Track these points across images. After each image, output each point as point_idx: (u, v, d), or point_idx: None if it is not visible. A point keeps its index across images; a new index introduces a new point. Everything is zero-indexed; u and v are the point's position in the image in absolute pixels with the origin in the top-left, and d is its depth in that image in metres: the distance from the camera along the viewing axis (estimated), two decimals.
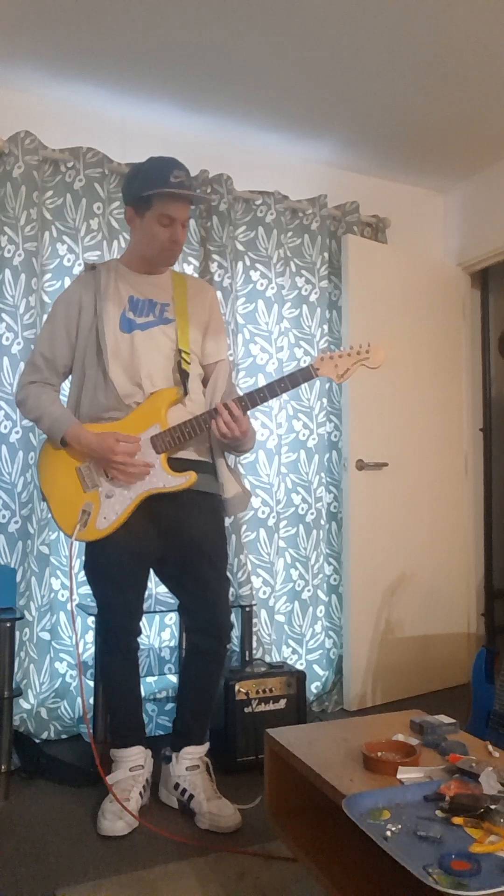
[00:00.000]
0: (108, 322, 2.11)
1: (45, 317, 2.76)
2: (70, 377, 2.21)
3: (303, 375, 2.03)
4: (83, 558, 2.19)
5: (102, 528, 2.03)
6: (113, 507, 2.03)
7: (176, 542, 2.10)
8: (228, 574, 2.24)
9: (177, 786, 2.11)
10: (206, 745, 2.18)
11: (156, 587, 2.79)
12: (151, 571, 2.21)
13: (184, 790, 2.09)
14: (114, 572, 2.08)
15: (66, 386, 2.25)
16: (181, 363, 2.12)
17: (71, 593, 2.06)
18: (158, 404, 2.06)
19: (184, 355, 2.12)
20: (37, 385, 2.16)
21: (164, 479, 2.03)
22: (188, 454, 2.11)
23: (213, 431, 2.03)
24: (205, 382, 2.20)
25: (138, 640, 2.20)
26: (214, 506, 2.16)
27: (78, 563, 2.76)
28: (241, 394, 2.08)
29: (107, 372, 2.07)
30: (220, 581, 2.17)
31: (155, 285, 2.19)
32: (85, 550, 2.17)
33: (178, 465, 2.06)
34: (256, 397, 2.02)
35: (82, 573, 2.74)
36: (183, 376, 2.11)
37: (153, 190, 2.03)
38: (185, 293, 2.21)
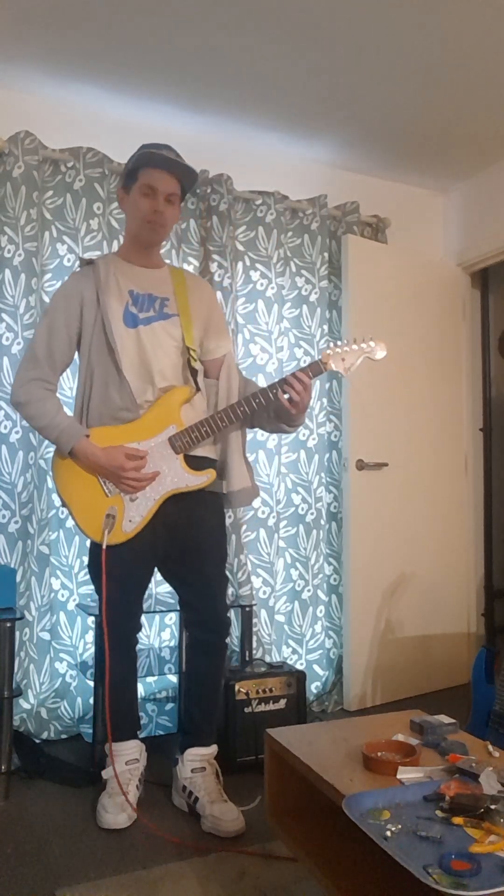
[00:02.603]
0: (113, 317, 2.09)
1: None
2: (77, 377, 2.19)
3: (312, 370, 2.08)
4: (85, 557, 2.19)
5: (129, 530, 2.05)
6: (138, 510, 2.05)
7: (181, 537, 2.12)
8: (227, 573, 2.26)
9: (184, 788, 2.11)
10: (214, 749, 2.18)
11: (156, 587, 2.80)
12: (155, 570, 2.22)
13: (190, 792, 2.09)
14: (118, 571, 2.07)
15: (64, 383, 2.23)
16: (190, 361, 2.14)
17: (102, 602, 2.06)
18: (172, 404, 2.08)
19: (191, 353, 2.15)
20: (38, 385, 2.10)
21: (187, 479, 2.06)
22: (200, 451, 2.13)
23: (280, 403, 2.05)
24: (210, 377, 2.23)
25: (138, 637, 2.21)
26: (218, 504, 2.20)
27: (79, 564, 2.78)
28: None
29: (120, 369, 2.06)
30: (220, 578, 2.21)
31: (154, 279, 2.19)
32: (90, 550, 2.17)
33: (191, 462, 2.09)
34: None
35: (83, 573, 2.78)
36: (192, 374, 2.14)
37: (137, 163, 2.08)
38: (185, 289, 2.21)
